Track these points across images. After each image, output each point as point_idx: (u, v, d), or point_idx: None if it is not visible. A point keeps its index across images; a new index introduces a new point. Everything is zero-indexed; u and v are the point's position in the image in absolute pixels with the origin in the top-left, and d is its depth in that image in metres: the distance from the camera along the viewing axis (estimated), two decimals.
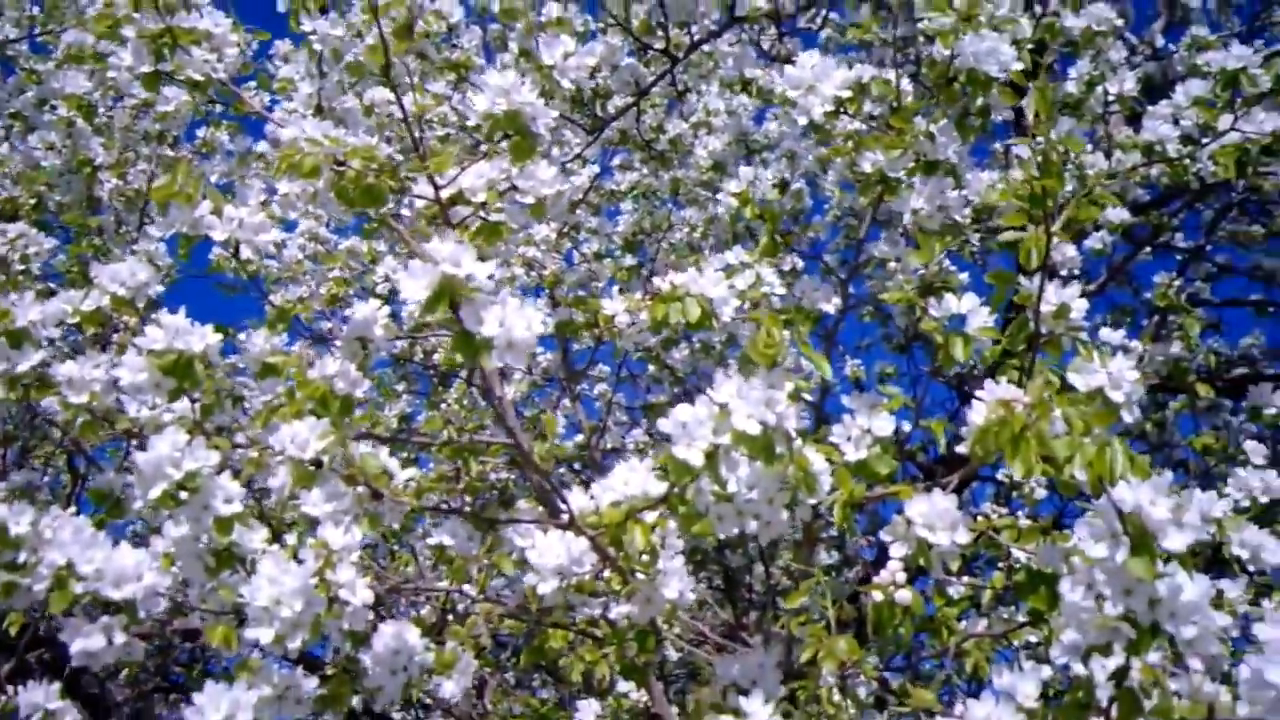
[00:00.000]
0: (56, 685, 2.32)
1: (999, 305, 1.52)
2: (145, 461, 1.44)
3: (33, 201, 2.62)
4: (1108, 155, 2.72)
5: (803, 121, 1.77)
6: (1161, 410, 4.28)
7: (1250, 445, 2.75)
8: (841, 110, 1.78)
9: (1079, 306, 1.39)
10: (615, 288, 3.41)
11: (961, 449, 1.24)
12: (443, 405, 3.21)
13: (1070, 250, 2.44)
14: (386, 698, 1.51)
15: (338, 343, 1.91)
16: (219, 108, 2.92)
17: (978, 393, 1.20)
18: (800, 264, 2.73)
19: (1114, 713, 1.10)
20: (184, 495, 1.47)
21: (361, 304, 1.92)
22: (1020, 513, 1.74)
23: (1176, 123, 2.40)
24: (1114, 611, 1.02)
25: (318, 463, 1.40)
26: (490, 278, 1.26)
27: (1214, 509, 2.17)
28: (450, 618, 1.88)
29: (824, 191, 3.22)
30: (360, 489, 1.41)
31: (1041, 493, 3.21)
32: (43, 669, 2.90)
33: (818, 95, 1.77)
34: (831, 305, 1.90)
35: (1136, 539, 1.00)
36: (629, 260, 3.60)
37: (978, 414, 1.18)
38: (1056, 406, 1.17)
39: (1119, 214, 3.06)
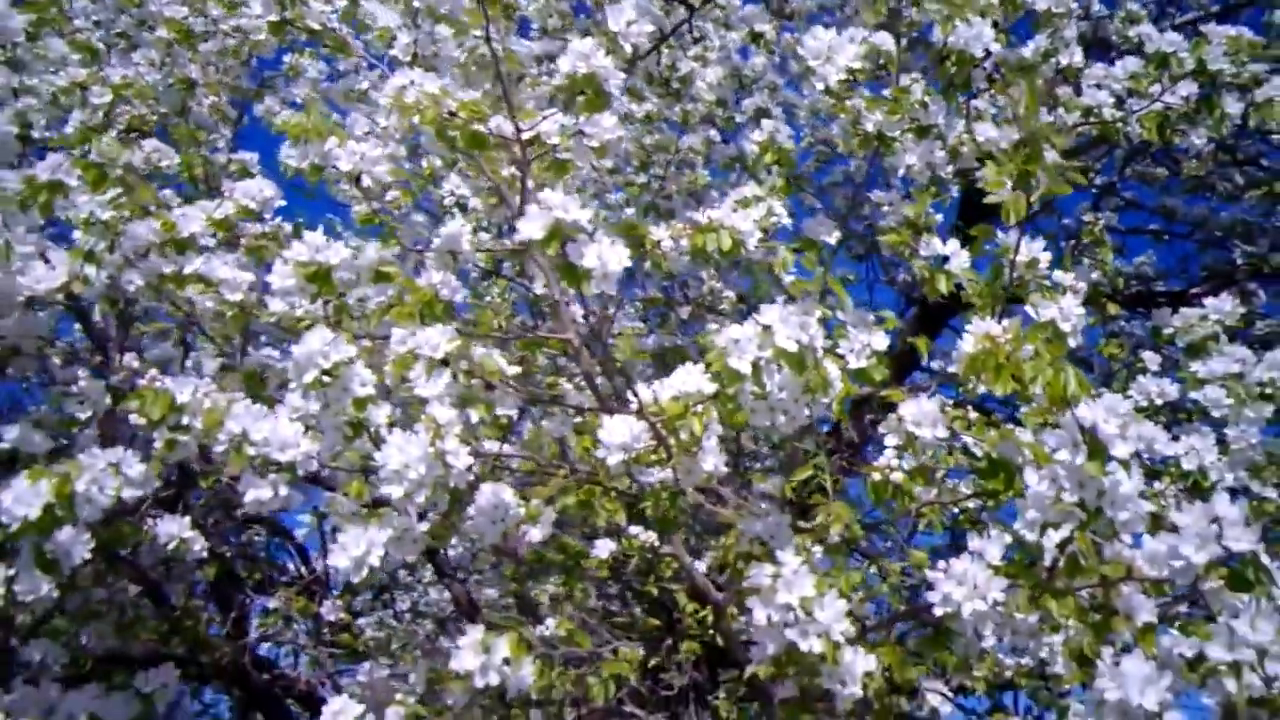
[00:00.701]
0: (188, 518, 2.46)
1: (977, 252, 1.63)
2: (300, 354, 1.54)
3: (154, 117, 2.63)
4: (1051, 110, 2.79)
5: (820, 87, 1.84)
6: None
7: (1147, 355, 2.91)
8: (851, 79, 1.85)
9: (1045, 258, 1.50)
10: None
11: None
12: (487, 299, 3.29)
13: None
14: (488, 540, 1.65)
15: (428, 254, 1.99)
16: (304, 37, 2.89)
17: (967, 328, 1.32)
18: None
19: (1059, 570, 1.26)
20: (328, 380, 1.59)
21: (452, 221, 2.00)
22: (969, 408, 1.88)
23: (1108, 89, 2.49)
24: (1070, 499, 1.16)
25: (445, 361, 1.50)
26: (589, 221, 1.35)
27: (1120, 408, 2.36)
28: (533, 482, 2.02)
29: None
30: (476, 381, 1.52)
31: (982, 389, 3.36)
32: None
33: (833, 65, 1.84)
34: (832, 238, 2.01)
35: (1092, 447, 1.14)
36: (640, 178, 3.64)
37: (967, 344, 1.31)
38: (1026, 340, 1.29)
39: (1051, 155, 3.15)
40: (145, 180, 2.02)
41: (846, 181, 3.66)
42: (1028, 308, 1.47)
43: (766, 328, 1.37)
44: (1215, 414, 2.24)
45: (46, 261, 1.98)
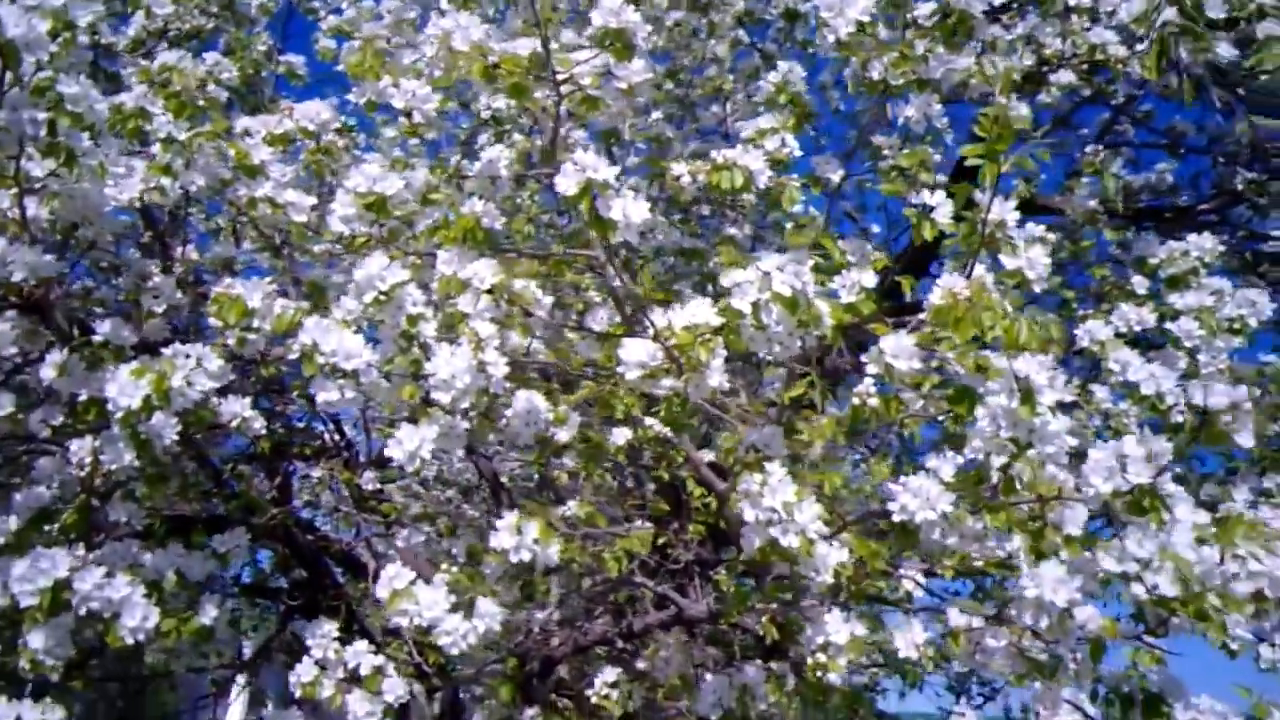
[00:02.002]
0: (249, 398, 2.75)
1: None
2: (361, 277, 1.79)
3: (210, 25, 2.80)
4: (1064, 39, 2.91)
5: (831, 39, 2.01)
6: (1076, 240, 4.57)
7: (1137, 280, 3.09)
8: (861, 30, 2.01)
9: (1013, 218, 1.70)
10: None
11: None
12: (519, 201, 3.48)
13: (1024, 109, 2.71)
14: (521, 440, 1.93)
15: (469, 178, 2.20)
16: None
17: (938, 282, 1.54)
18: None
19: (999, 488, 1.52)
20: (384, 298, 1.84)
21: (491, 148, 2.20)
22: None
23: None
24: (1006, 435, 1.41)
25: (490, 290, 1.75)
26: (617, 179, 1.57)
27: (1100, 333, 2.58)
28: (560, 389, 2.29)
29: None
30: (515, 309, 1.77)
31: None
32: None
33: (844, 18, 2.00)
34: (836, 175, 2.20)
35: (1024, 394, 1.39)
36: (669, 85, 3.78)
37: (935, 296, 1.53)
38: (984, 297, 1.52)
39: (1066, 76, 3.27)
40: (215, 102, 2.22)
41: (853, 123, 3.77)
42: (1001, 259, 1.68)
43: (765, 274, 1.60)
44: (1187, 344, 2.47)
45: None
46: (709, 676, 2.33)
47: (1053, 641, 1.55)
